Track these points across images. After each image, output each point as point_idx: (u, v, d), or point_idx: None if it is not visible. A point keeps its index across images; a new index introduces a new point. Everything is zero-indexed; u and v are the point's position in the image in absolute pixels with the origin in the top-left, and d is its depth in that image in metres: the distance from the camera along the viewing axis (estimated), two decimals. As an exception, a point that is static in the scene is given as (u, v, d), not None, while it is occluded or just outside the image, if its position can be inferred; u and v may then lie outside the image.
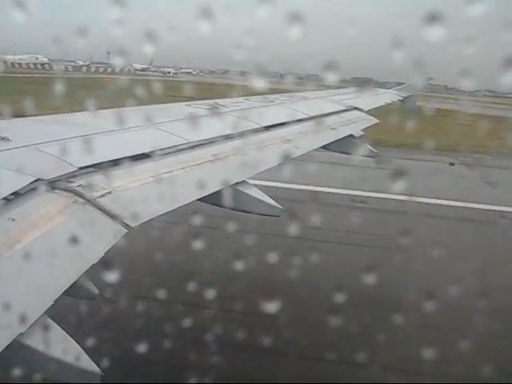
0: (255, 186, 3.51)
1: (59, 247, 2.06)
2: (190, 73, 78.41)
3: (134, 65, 72.64)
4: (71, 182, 2.54)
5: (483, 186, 14.40)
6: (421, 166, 15.28)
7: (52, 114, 3.87)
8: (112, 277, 2.18)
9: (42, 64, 64.98)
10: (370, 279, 3.55)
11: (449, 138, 17.96)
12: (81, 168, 2.69)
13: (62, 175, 2.57)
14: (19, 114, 3.34)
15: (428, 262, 7.16)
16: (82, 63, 66.95)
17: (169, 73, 78.10)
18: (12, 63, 63.92)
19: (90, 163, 2.78)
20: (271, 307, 3.34)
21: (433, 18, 1.98)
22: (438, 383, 5.11)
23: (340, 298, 4.00)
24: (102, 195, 2.49)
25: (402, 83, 11.03)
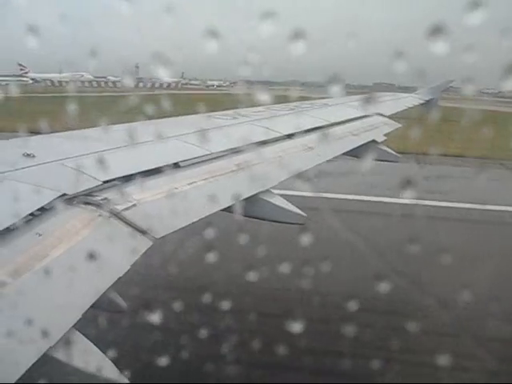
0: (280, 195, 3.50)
1: (85, 261, 2.07)
2: (220, 85, 77.33)
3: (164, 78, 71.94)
4: (96, 195, 2.56)
5: None
6: None
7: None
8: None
9: (89, 82, 64.37)
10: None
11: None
12: (105, 182, 2.72)
13: (86, 189, 2.59)
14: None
15: None
16: (113, 79, 66.72)
17: (212, 85, 77.32)
18: (59, 82, 64.07)
19: (114, 177, 2.80)
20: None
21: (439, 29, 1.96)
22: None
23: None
24: (127, 208, 2.51)
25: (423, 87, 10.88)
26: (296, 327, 3.24)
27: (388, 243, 8.51)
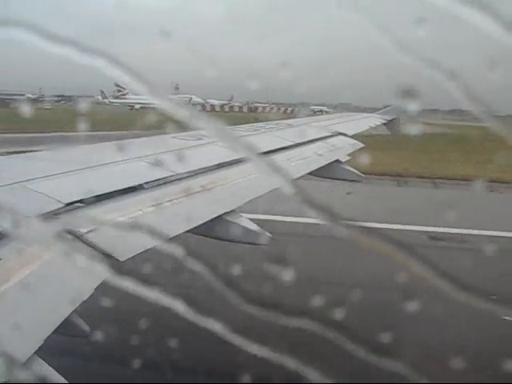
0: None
1: (47, 285, 2.05)
2: (270, 107, 71.85)
3: (210, 100, 68.67)
4: (58, 218, 2.53)
5: None
6: None
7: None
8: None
9: (200, 104, 59.16)
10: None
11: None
12: (68, 204, 2.69)
13: (48, 212, 2.56)
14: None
15: None
16: (216, 102, 60.90)
17: (320, 111, 72.20)
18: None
19: (77, 198, 2.78)
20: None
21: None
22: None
23: None
24: (90, 230, 2.48)
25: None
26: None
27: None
